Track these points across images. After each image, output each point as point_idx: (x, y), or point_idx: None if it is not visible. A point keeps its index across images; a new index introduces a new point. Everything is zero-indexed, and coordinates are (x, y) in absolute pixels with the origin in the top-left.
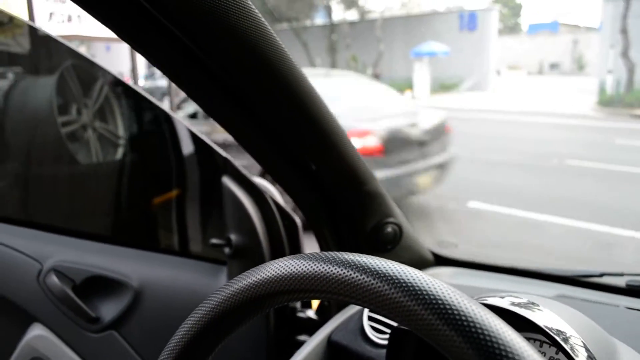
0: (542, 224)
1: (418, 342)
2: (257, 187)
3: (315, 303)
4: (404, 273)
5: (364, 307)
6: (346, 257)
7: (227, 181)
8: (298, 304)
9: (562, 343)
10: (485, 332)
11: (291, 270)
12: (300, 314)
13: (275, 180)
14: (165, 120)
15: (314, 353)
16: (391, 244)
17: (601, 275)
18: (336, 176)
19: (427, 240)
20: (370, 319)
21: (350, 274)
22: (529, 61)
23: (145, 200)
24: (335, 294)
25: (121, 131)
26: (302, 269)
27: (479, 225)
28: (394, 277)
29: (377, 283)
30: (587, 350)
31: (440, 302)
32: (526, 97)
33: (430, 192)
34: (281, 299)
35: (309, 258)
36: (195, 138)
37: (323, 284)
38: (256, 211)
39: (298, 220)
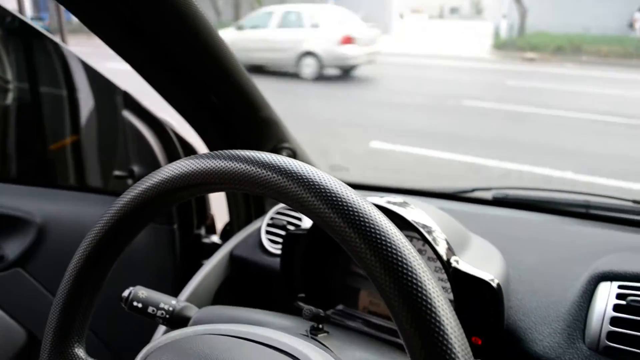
0: (436, 160)
1: (306, 246)
2: (158, 119)
3: (219, 229)
4: (292, 164)
5: (256, 193)
6: (238, 153)
7: (127, 115)
8: (202, 231)
9: (426, 235)
10: (365, 217)
11: (186, 168)
12: (205, 240)
13: (177, 111)
14: (57, 54)
15: (218, 267)
16: None
17: (473, 190)
18: (234, 105)
19: (322, 165)
20: (268, 232)
21: (242, 166)
22: (430, 5)
23: (44, 139)
24: (231, 185)
25: (9, 72)
26: (196, 166)
27: (377, 161)
28: (283, 167)
29: (267, 173)
30: (447, 242)
31: (327, 191)
32: (427, 41)
33: (334, 135)
34: (181, 194)
35: (201, 157)
36: (92, 72)
37: (216, 177)
38: (157, 143)
39: (198, 149)
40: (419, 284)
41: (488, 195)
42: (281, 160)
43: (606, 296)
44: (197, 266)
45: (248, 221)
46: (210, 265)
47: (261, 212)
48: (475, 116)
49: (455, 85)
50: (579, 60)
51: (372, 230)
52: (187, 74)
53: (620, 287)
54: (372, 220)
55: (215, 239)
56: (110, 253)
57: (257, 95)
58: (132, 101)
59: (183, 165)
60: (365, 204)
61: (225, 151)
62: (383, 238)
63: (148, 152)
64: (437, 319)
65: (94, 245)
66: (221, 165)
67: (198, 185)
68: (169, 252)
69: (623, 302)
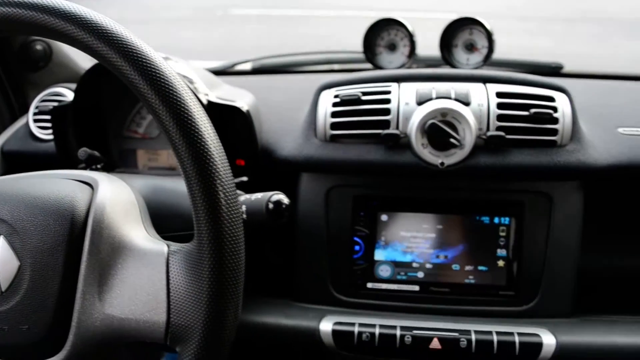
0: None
1: (74, 117)
2: None
3: None
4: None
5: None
6: None
7: None
8: None
9: (189, 84)
10: (141, 54)
11: None
12: None
13: None
14: None
15: None
16: (42, 61)
17: (233, 65)
18: None
19: None
20: (36, 121)
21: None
22: None
23: None
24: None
25: None
26: None
27: None
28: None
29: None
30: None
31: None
32: None
33: None
34: None
35: None
36: None
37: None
38: None
39: None
40: (190, 114)
41: (248, 66)
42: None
43: (326, 99)
44: None
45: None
46: None
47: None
48: (245, 24)
49: None
50: None
51: (149, 65)
52: None
53: (336, 90)
54: (148, 57)
55: None
56: None
57: None
58: None
59: None
60: (142, 44)
61: None
62: (159, 73)
63: None
64: (205, 145)
65: None
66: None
67: None
68: None
69: (338, 100)
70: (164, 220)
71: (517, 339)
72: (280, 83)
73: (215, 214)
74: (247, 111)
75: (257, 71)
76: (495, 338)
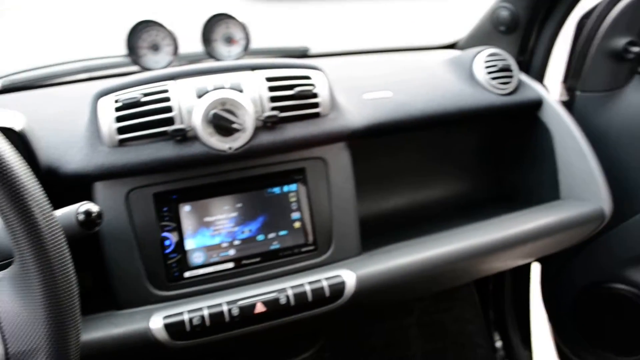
0: None
1: None
2: None
3: None
4: None
5: None
6: None
7: None
8: None
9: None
10: None
11: None
12: None
13: None
14: None
15: None
16: None
17: None
18: None
19: None
20: None
21: None
22: None
23: None
24: None
25: None
26: None
27: None
28: None
29: None
30: None
31: None
32: None
33: None
34: None
35: None
36: None
37: None
38: None
39: None
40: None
41: None
42: None
43: (106, 105)
44: None
45: None
46: None
47: None
48: None
49: None
50: None
51: None
52: None
53: (115, 95)
54: None
55: None
56: None
57: None
58: None
59: None
60: None
61: None
62: None
63: None
64: (7, 165)
65: None
66: None
67: None
68: None
69: (120, 104)
70: None
71: (324, 283)
72: (41, 98)
73: (35, 233)
74: (22, 130)
75: (8, 90)
76: (307, 288)
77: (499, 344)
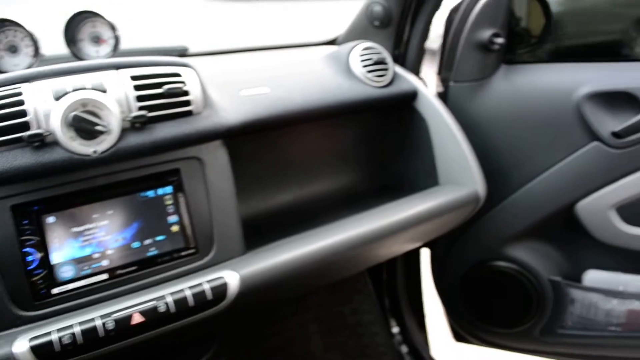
0: None
1: None
2: None
3: None
4: None
5: None
6: None
7: None
8: None
9: None
10: None
11: None
12: None
13: None
14: None
15: None
16: None
17: None
18: None
19: None
20: None
21: None
22: None
23: None
24: None
25: None
26: None
27: None
28: None
29: None
30: None
31: None
32: None
33: None
34: None
35: None
36: None
37: None
38: None
39: None
40: None
41: None
42: None
43: None
44: None
45: None
46: None
47: None
48: None
49: None
50: None
51: None
52: None
53: None
54: None
55: None
56: None
57: None
58: None
59: None
60: None
61: None
62: None
63: None
64: None
65: None
66: None
67: None
68: None
69: None
70: None
71: (206, 286)
72: None
73: None
74: None
75: None
76: (188, 292)
77: (395, 329)
